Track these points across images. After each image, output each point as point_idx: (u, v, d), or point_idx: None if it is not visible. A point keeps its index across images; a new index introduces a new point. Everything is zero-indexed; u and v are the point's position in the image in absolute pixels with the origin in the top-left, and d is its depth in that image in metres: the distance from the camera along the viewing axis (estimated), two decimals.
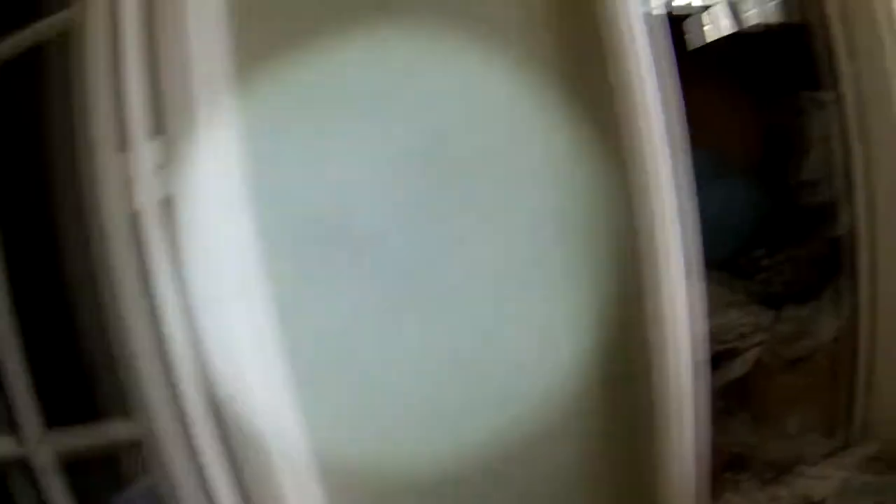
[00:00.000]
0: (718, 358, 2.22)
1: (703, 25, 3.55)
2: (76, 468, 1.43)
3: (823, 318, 2.32)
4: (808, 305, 2.39)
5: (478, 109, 1.41)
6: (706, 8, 3.63)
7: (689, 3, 4.02)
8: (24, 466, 1.44)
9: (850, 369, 2.19)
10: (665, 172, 1.54)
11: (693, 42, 3.48)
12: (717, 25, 3.54)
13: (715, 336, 2.18)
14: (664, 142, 1.53)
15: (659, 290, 1.53)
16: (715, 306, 2.24)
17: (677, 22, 3.51)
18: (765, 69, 2.72)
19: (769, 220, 2.61)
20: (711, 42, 3.40)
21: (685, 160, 1.59)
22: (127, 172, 1.21)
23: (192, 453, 1.22)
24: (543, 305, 1.51)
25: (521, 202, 1.50)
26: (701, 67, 2.81)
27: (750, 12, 3.65)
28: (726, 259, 2.54)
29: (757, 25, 3.51)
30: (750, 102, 2.67)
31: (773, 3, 3.37)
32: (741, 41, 3.15)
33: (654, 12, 1.57)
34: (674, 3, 4.33)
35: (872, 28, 1.97)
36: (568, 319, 1.53)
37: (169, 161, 1.19)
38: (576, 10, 1.51)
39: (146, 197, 1.20)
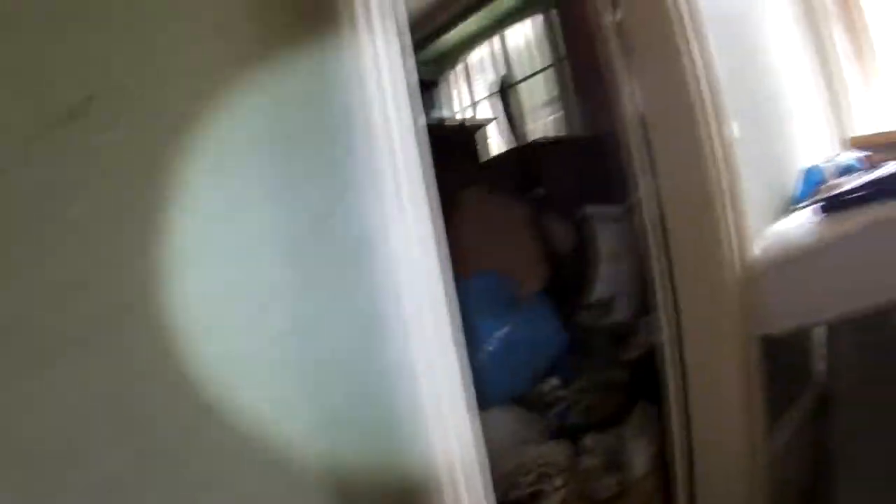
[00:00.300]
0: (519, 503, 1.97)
1: (487, 138, 3.45)
2: None
3: (632, 447, 2.11)
4: (613, 436, 2.17)
5: None
6: (493, 120, 3.55)
7: (474, 116, 3.96)
8: None
9: (666, 502, 2.00)
10: (432, 304, 1.26)
11: (482, 155, 3.37)
12: (502, 138, 3.45)
13: (512, 479, 1.97)
14: (432, 271, 1.27)
15: (429, 438, 1.21)
16: (509, 446, 2.05)
17: (470, 133, 3.42)
18: (554, 183, 2.59)
19: (563, 345, 2.40)
20: (500, 156, 3.29)
21: (453, 290, 1.32)
22: None
23: None
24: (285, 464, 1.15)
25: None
26: (486, 183, 2.68)
27: (537, 124, 3.62)
28: (518, 393, 2.32)
29: (545, 138, 3.47)
30: (538, 219, 2.51)
31: (560, 115, 3.35)
32: (529, 154, 3.04)
33: (421, 126, 1.30)
34: (460, 116, 4.30)
35: (671, 135, 1.87)
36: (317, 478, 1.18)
37: None
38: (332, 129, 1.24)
39: None
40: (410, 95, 1.29)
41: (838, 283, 1.74)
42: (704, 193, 1.79)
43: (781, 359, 1.97)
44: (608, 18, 2.01)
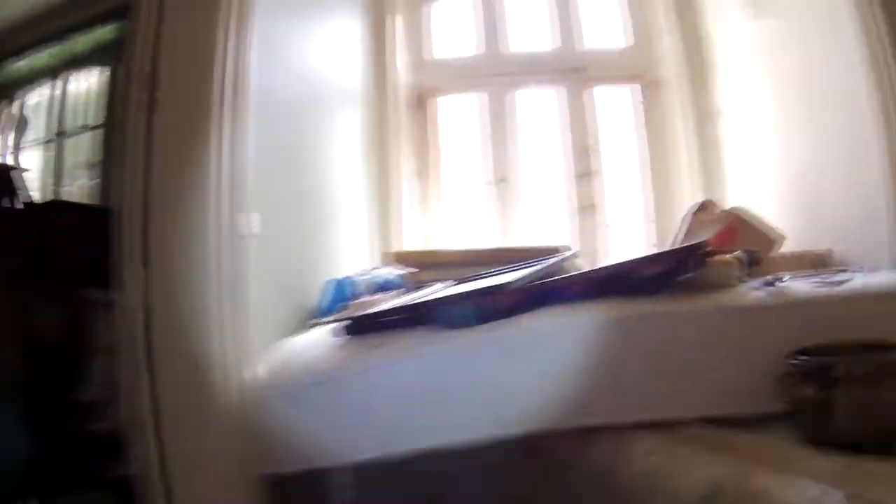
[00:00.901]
0: None
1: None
2: None
3: None
4: None
5: None
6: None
7: (17, 163, 3.33)
8: None
9: None
10: None
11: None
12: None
13: None
14: None
15: None
16: None
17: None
18: (53, 257, 2.15)
19: (35, 456, 1.96)
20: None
21: None
22: None
23: None
24: None
25: None
26: None
27: (74, 187, 3.13)
28: None
29: (56, 202, 2.97)
30: (23, 301, 2.06)
31: (98, 180, 2.91)
32: (35, 218, 2.55)
33: None
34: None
35: (172, 217, 1.58)
36: None
37: None
38: None
39: None
40: None
41: (351, 423, 1.52)
42: (197, 291, 1.51)
43: (298, 492, 1.72)
44: (137, 70, 1.72)
